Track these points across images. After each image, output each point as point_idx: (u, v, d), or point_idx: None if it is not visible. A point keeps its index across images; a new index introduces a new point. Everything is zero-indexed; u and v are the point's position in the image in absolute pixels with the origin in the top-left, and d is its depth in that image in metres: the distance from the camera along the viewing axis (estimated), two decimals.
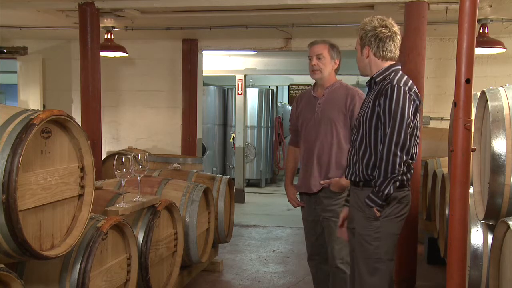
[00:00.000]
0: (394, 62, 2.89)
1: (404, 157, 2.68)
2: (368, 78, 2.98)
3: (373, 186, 2.74)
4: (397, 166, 2.67)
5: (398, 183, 2.72)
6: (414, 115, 2.75)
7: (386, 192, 2.69)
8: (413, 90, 2.76)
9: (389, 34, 2.83)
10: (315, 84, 3.67)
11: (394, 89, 2.70)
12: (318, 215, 3.58)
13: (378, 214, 2.74)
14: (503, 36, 6.37)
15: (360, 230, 2.85)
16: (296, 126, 3.75)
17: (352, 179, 2.93)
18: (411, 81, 2.82)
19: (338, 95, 3.54)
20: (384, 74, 2.84)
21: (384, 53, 2.84)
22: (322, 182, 3.52)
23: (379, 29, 2.82)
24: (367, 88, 3.01)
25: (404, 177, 2.77)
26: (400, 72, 2.85)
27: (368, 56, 2.87)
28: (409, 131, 2.69)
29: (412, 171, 2.84)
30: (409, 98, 2.71)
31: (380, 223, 2.77)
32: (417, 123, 2.79)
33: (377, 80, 2.85)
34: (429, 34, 5.22)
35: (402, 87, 2.72)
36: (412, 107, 2.72)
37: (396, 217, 2.81)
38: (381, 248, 2.79)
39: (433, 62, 6.99)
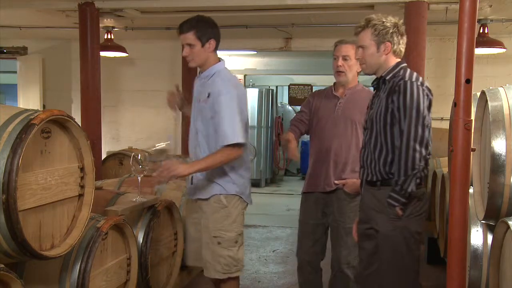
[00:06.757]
0: (401, 60, 2.87)
1: (423, 151, 2.61)
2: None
3: (394, 184, 2.66)
4: (417, 161, 2.59)
5: (419, 180, 2.64)
6: (428, 109, 2.70)
7: (409, 189, 2.61)
8: (425, 85, 2.72)
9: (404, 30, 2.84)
10: (335, 83, 3.52)
11: (407, 84, 2.67)
12: (323, 218, 3.47)
13: (400, 213, 2.67)
14: (503, 36, 6.37)
15: (385, 231, 2.77)
16: (306, 118, 3.55)
17: (368, 179, 2.84)
18: (421, 77, 2.78)
19: (360, 97, 3.39)
20: (393, 72, 2.79)
21: (402, 49, 2.83)
22: (336, 182, 3.37)
23: (399, 24, 2.81)
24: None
25: (422, 174, 2.67)
26: (409, 69, 2.81)
27: (388, 53, 2.80)
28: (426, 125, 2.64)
29: (428, 167, 2.73)
30: (422, 92, 2.67)
31: (404, 223, 2.70)
32: (430, 118, 2.73)
33: (387, 78, 2.82)
34: (429, 34, 5.22)
35: (415, 82, 2.68)
36: (426, 102, 2.68)
37: (418, 215, 2.73)
38: None
39: (433, 62, 6.99)
